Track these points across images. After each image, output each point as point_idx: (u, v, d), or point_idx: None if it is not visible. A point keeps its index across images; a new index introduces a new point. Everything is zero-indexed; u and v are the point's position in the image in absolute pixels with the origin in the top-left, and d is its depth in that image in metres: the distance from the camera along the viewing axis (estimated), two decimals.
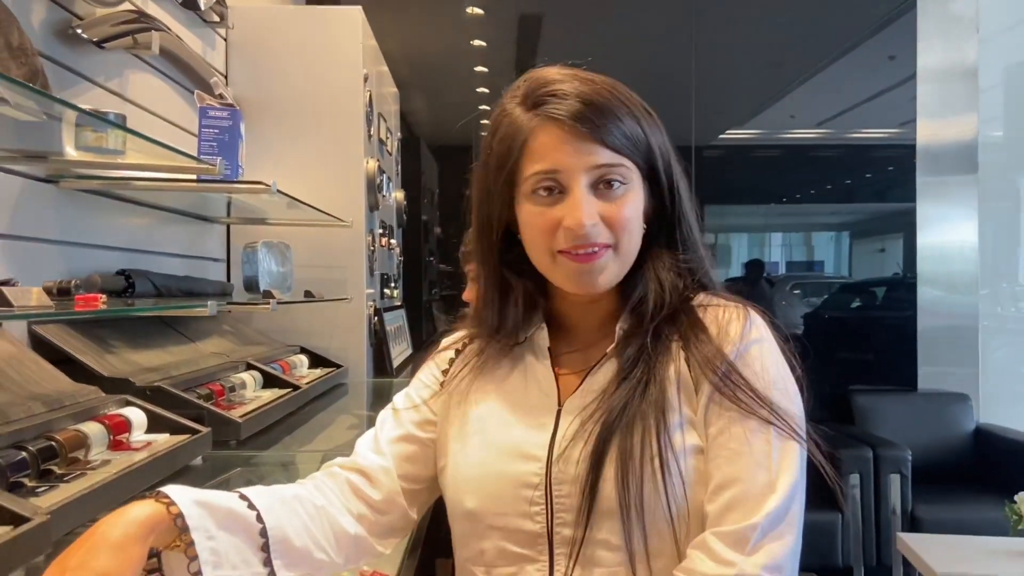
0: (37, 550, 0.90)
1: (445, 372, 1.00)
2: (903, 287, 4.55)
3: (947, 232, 4.15)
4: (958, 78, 4.12)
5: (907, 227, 4.41)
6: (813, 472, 0.85)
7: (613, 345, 0.89)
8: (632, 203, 0.87)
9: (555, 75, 0.88)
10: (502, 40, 4.97)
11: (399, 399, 1.02)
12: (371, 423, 1.03)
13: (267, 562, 0.80)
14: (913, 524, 3.41)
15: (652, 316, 0.88)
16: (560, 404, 0.90)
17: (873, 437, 3.65)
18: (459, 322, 1.05)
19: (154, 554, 0.77)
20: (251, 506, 0.81)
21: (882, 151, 5.49)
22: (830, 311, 7.60)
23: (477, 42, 4.99)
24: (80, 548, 0.71)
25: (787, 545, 0.80)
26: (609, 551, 0.82)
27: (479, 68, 5.01)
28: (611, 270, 0.88)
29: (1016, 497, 2.64)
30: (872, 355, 5.62)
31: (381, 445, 0.98)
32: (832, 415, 4.24)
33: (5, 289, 0.93)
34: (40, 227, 1.50)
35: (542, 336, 0.95)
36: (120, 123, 1.20)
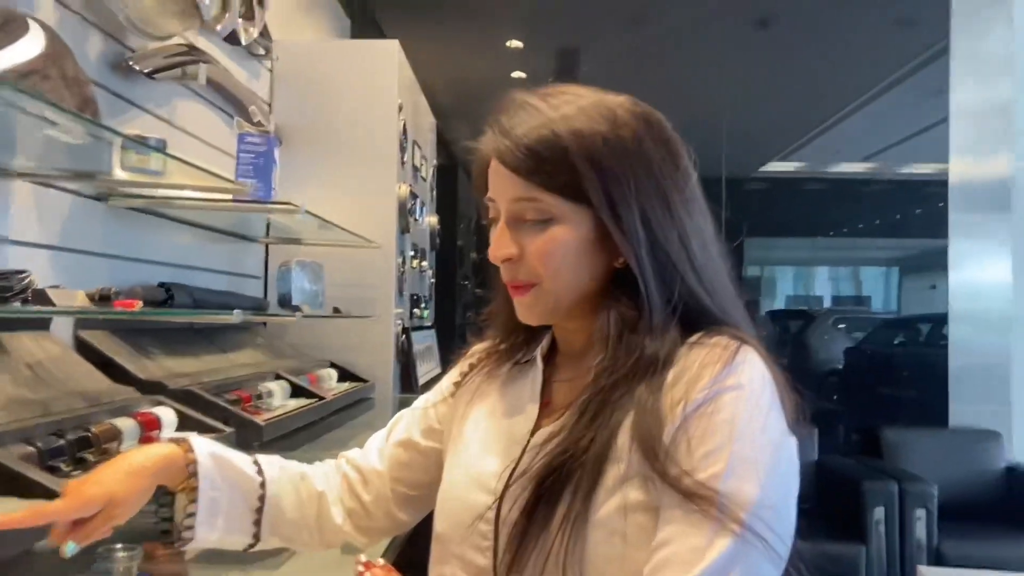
0: None
1: (459, 384, 0.99)
2: (943, 324, 4.50)
3: (980, 270, 4.12)
4: (992, 116, 4.12)
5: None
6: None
7: (591, 379, 0.82)
8: (557, 241, 0.81)
9: (508, 104, 0.84)
10: (541, 72, 5.12)
11: (419, 401, 1.03)
12: None
13: (257, 523, 0.91)
14: (939, 560, 3.38)
15: (615, 362, 0.80)
16: (532, 434, 0.85)
17: (899, 471, 3.63)
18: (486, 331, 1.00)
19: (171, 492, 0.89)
20: (260, 472, 0.92)
21: (931, 187, 5.49)
22: (872, 346, 7.51)
23: (517, 73, 5.14)
24: (103, 468, 0.84)
25: None
26: None
27: None
28: (543, 304, 0.84)
29: None
30: (908, 391, 5.56)
31: (385, 446, 1.01)
32: (863, 449, 4.23)
33: (50, 291, 1.05)
34: (88, 241, 1.63)
35: (539, 360, 0.91)
36: (160, 147, 1.33)
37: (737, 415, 0.73)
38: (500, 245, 0.83)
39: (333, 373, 2.47)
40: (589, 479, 0.75)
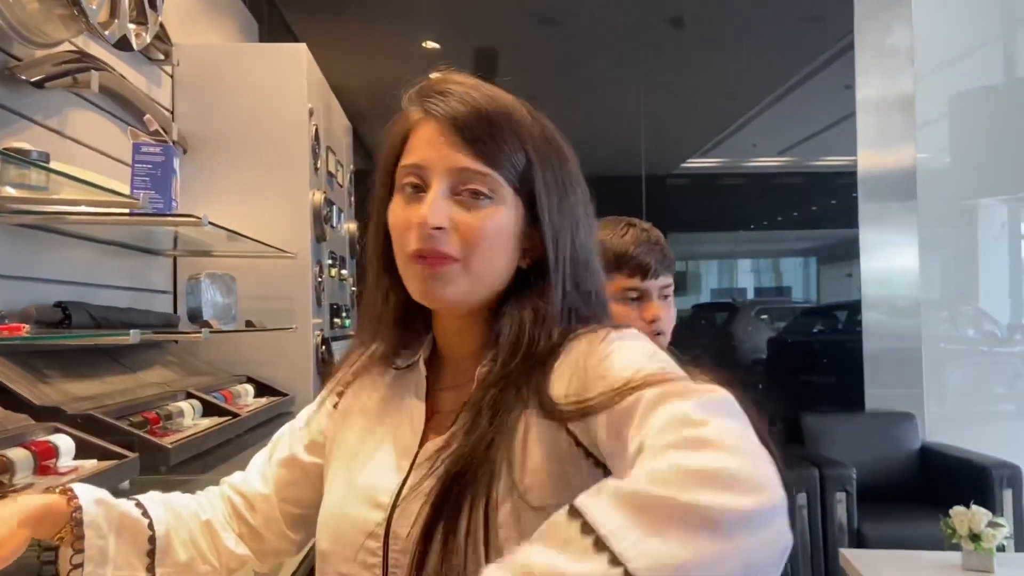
0: None
1: (341, 394, 0.95)
2: (858, 311, 4.67)
3: (889, 257, 4.29)
4: (896, 108, 4.28)
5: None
6: None
7: (475, 387, 0.81)
8: (493, 220, 0.80)
9: (454, 78, 0.83)
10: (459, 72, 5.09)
11: (300, 415, 0.99)
12: None
13: (150, 568, 0.86)
14: (859, 541, 3.49)
15: (505, 363, 0.79)
16: (421, 446, 0.83)
17: (819, 457, 3.73)
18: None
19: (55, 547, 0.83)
20: (145, 513, 0.87)
21: (843, 178, 5.70)
22: (793, 335, 7.76)
23: (435, 75, 5.10)
24: None
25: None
26: None
27: None
28: (458, 285, 0.80)
29: (951, 512, 2.72)
30: (828, 378, 5.74)
31: (267, 467, 0.97)
32: (786, 436, 4.34)
33: None
34: None
35: (421, 366, 0.88)
36: (42, 161, 1.25)
37: (622, 346, 0.75)
38: (436, 212, 0.78)
39: (250, 388, 2.39)
40: (484, 492, 0.73)
